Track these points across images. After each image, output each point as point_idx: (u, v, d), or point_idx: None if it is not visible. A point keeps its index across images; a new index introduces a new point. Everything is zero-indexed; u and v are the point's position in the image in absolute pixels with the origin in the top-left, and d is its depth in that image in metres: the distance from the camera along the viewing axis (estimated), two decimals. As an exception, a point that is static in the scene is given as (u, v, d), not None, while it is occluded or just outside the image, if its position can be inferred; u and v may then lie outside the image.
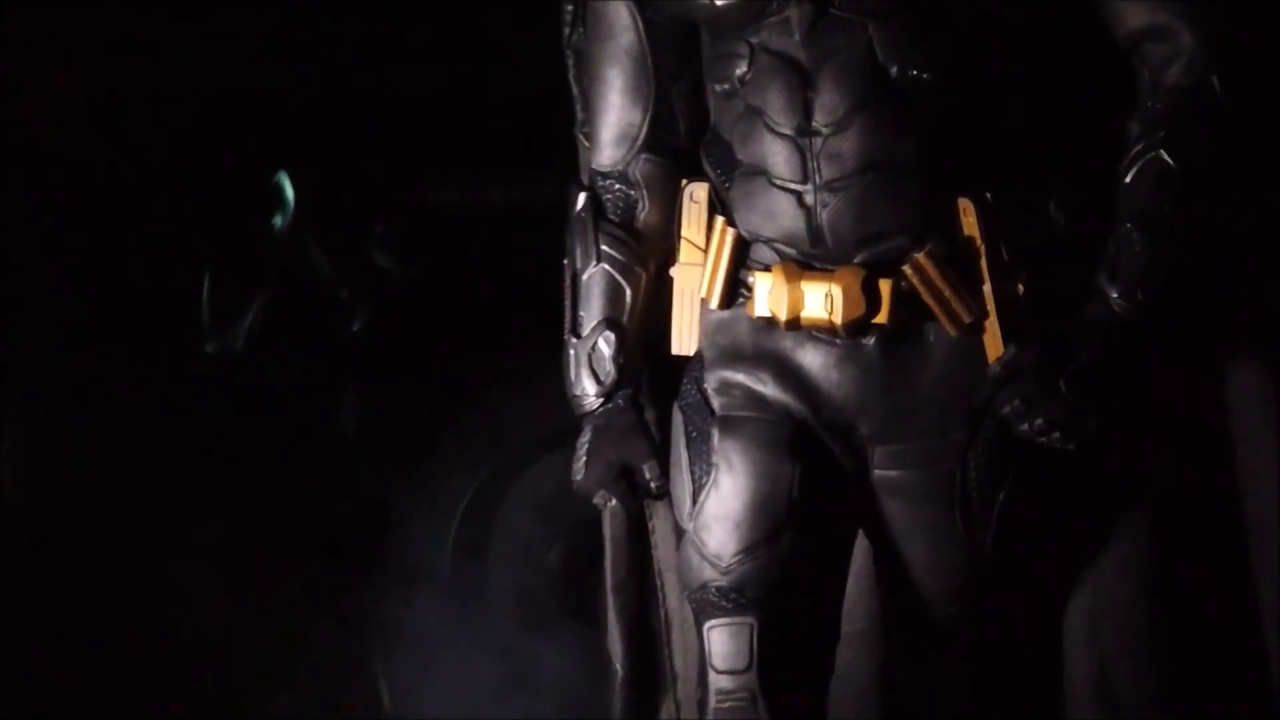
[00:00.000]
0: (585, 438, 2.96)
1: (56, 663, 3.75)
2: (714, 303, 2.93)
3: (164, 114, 3.80)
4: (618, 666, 3.21)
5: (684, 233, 2.98)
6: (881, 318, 2.82)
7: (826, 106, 2.81)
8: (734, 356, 2.92)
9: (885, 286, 2.81)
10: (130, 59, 3.76)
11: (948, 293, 2.81)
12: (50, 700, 3.75)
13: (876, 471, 2.87)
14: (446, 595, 3.98)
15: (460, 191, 4.01)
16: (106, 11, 3.74)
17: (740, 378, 2.91)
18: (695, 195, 2.98)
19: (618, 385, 2.97)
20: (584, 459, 2.95)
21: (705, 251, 2.96)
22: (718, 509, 2.85)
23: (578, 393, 2.98)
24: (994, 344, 2.83)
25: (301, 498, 3.91)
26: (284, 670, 3.85)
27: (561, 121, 3.13)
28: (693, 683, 3.09)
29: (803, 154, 2.83)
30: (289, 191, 3.91)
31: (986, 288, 2.83)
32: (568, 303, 3.01)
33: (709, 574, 2.84)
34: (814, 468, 2.87)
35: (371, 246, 3.99)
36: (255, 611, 3.84)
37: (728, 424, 2.88)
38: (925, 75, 2.79)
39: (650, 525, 3.18)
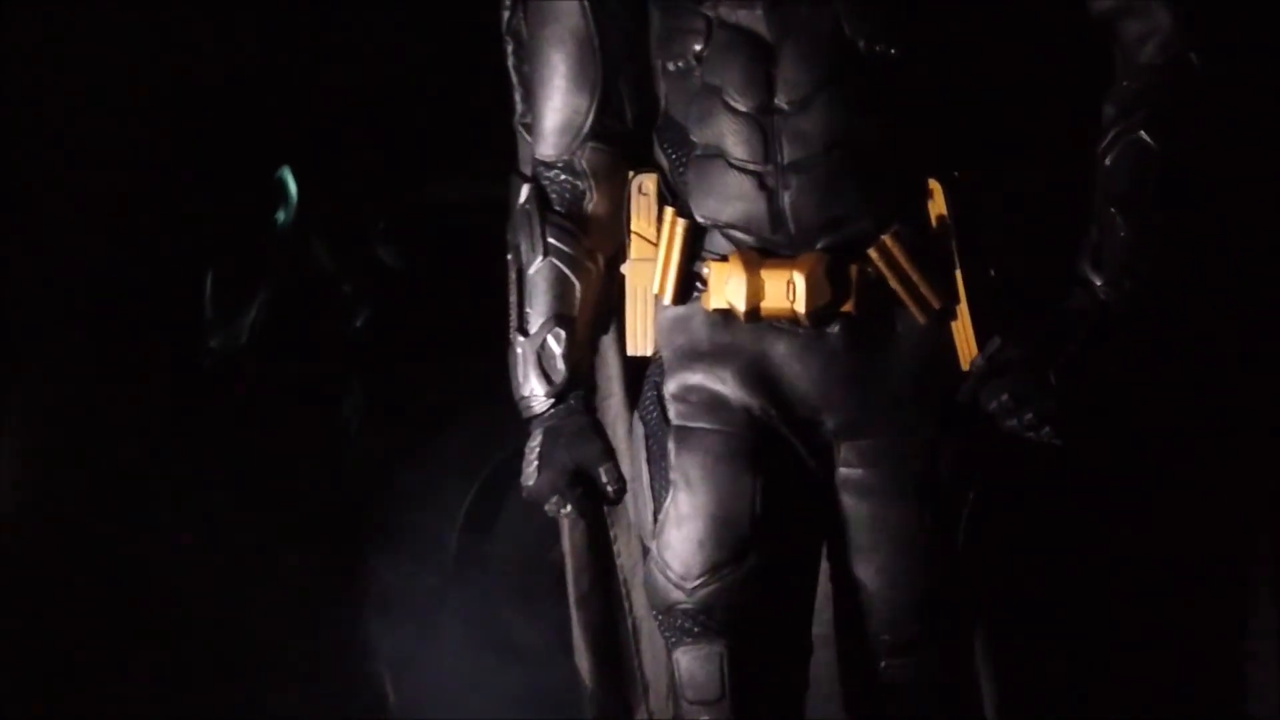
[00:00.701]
0: (535, 441, 2.80)
1: (61, 652, 3.76)
2: (668, 298, 2.80)
3: (166, 109, 3.80)
4: (587, 681, 3.14)
5: (633, 226, 2.84)
6: (847, 306, 2.69)
7: (790, 83, 2.68)
8: (692, 356, 2.79)
9: (850, 273, 2.69)
10: (131, 55, 3.77)
11: (915, 277, 2.70)
12: (55, 689, 3.77)
13: (842, 470, 2.74)
14: (451, 594, 3.97)
15: (462, 186, 3.99)
16: (107, 7, 3.75)
17: (699, 379, 2.78)
18: (644, 187, 2.84)
19: (569, 385, 2.82)
20: (535, 463, 2.79)
21: (656, 245, 2.81)
22: (679, 529, 2.74)
23: (526, 394, 2.83)
24: (965, 332, 2.71)
25: (306, 492, 3.90)
26: (285, 678, 3.85)
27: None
28: (664, 694, 3.03)
29: (764, 133, 2.69)
30: (292, 187, 3.90)
31: (957, 272, 2.71)
32: (513, 299, 2.86)
33: (675, 596, 2.74)
34: (777, 478, 2.75)
35: (374, 241, 3.97)
36: (257, 608, 3.83)
37: (684, 437, 2.76)
38: (894, 50, 2.67)
39: (612, 534, 3.09)
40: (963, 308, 2.71)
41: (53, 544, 3.76)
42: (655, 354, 2.86)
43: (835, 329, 2.72)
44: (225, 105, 3.84)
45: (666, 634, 2.77)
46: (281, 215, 3.91)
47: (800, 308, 2.68)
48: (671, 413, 2.79)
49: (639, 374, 2.97)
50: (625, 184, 2.87)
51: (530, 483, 2.79)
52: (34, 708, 3.75)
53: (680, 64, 2.75)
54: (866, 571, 2.74)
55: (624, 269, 2.87)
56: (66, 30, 3.74)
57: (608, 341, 2.98)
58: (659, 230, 2.81)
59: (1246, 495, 3.04)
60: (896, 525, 2.72)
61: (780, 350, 2.74)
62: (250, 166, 3.88)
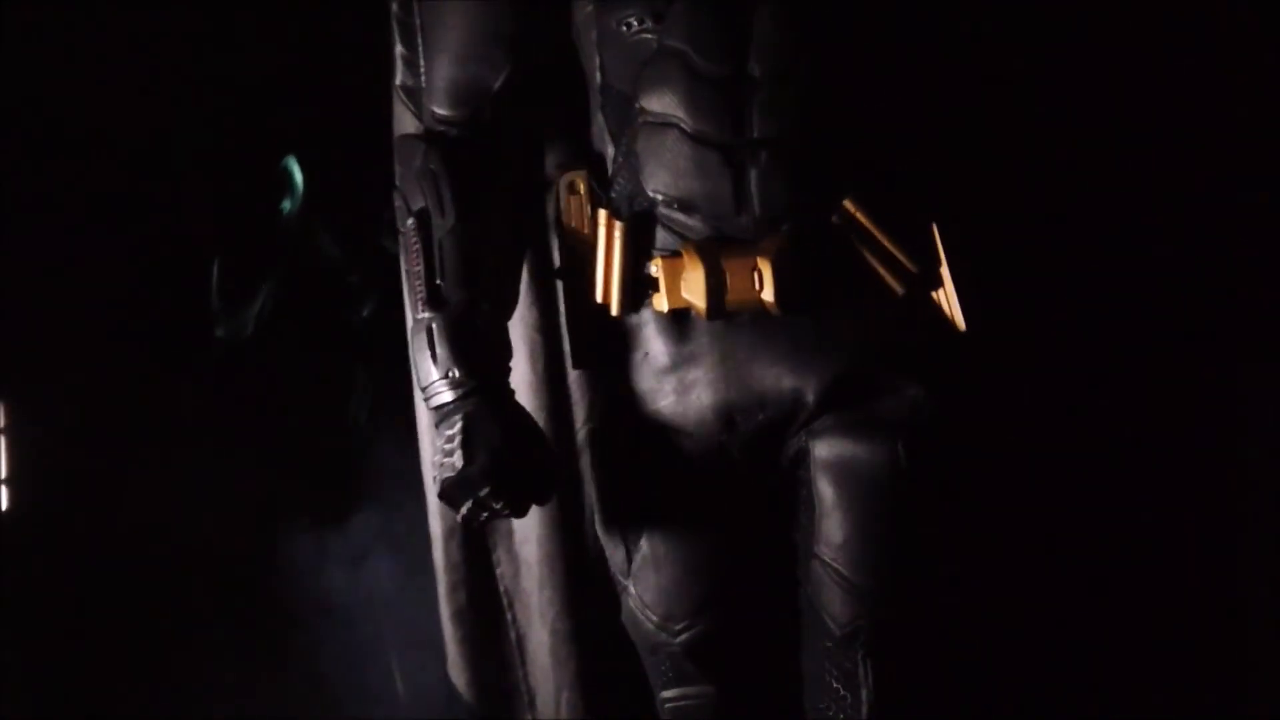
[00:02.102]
0: (454, 429, 2.47)
1: (68, 642, 3.76)
2: (614, 308, 2.55)
3: (171, 100, 3.79)
4: (463, 694, 3.04)
5: (567, 230, 2.59)
6: (817, 287, 2.47)
7: (767, 49, 2.42)
8: (652, 374, 2.56)
9: (819, 251, 2.46)
10: (136, 46, 3.75)
11: (886, 241, 2.46)
12: (62, 679, 3.77)
13: (819, 447, 2.52)
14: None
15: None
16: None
17: (666, 403, 2.54)
18: (575, 187, 2.58)
19: (493, 364, 2.50)
20: (459, 453, 2.45)
21: (594, 250, 2.55)
22: (657, 572, 2.57)
23: (438, 376, 2.49)
24: (948, 291, 2.51)
25: (312, 483, 3.88)
26: (292, 669, 3.83)
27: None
28: (550, 704, 2.94)
29: (733, 103, 2.43)
30: (298, 176, 3.88)
31: (935, 229, 2.47)
32: (416, 269, 2.52)
33: (661, 639, 2.60)
34: (751, 506, 2.57)
35: (380, 231, 3.95)
36: (262, 596, 3.82)
37: (654, 476, 2.56)
38: (883, 16, 2.44)
39: (491, 542, 2.98)
40: (945, 271, 2.51)
41: (57, 535, 3.75)
42: (607, 370, 2.65)
43: (805, 309, 2.51)
44: (231, 94, 3.82)
45: (653, 675, 2.66)
46: (287, 205, 3.88)
47: (769, 296, 2.47)
48: (640, 447, 2.58)
49: (551, 375, 2.81)
50: (536, 153, 2.62)
51: (451, 474, 2.46)
52: (43, 696, 3.75)
53: (632, 24, 2.49)
54: (838, 538, 2.52)
55: (560, 275, 2.65)
56: (72, 20, 3.73)
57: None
58: (594, 234, 2.56)
59: (1242, 488, 2.97)
60: (871, 468, 2.51)
61: (747, 341, 2.53)
62: (256, 156, 3.87)
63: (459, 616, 3.02)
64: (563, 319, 2.79)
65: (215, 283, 3.85)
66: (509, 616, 3.01)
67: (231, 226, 3.87)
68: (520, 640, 3.00)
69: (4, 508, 3.71)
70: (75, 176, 3.75)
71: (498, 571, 3.00)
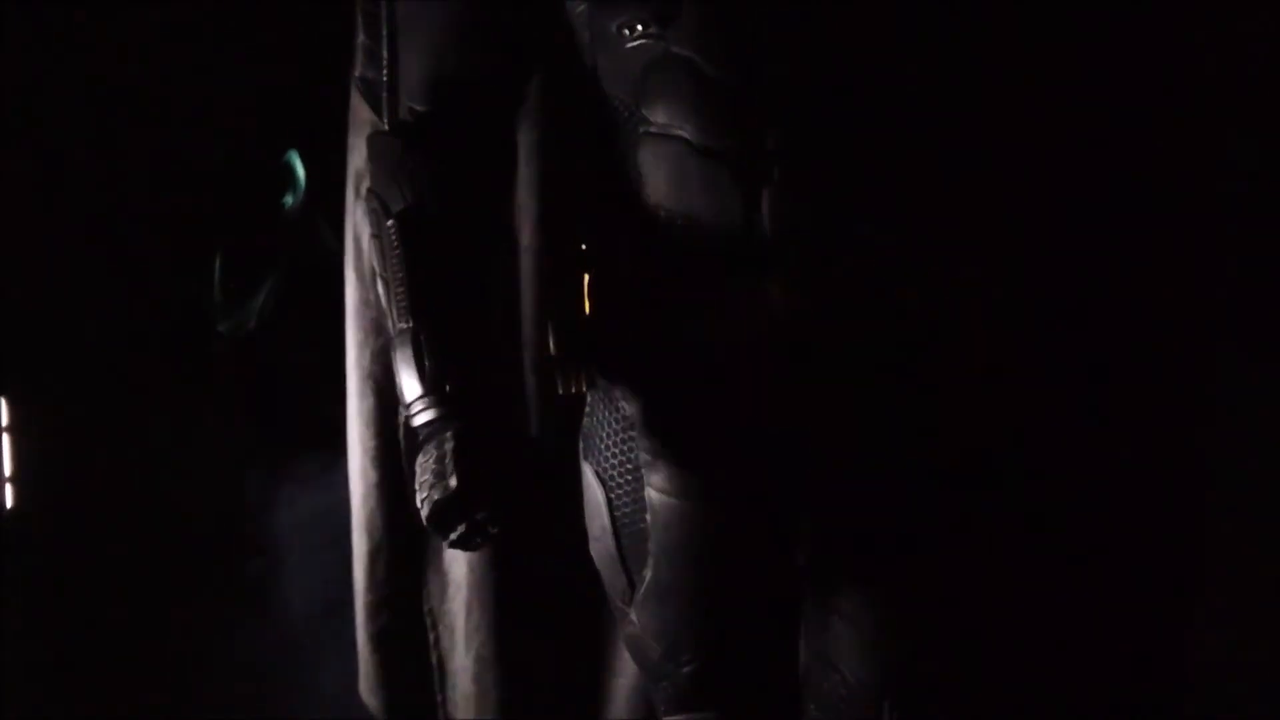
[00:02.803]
0: (445, 446, 2.26)
1: (76, 641, 3.77)
2: (608, 331, 2.38)
3: (171, 95, 3.77)
4: (378, 717, 2.97)
5: (553, 245, 2.51)
6: (832, 324, 2.29)
7: (785, 54, 2.24)
8: (652, 406, 2.39)
9: (833, 284, 2.27)
10: (137, 40, 3.73)
11: (906, 267, 2.28)
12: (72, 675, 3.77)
13: (834, 488, 2.39)
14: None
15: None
16: (112, -6, 3.73)
17: (666, 436, 2.38)
18: (564, 198, 2.50)
19: (485, 374, 2.33)
20: (454, 470, 2.24)
21: (585, 268, 2.39)
22: (663, 605, 2.43)
23: (422, 393, 2.29)
24: (979, 337, 2.35)
25: (315, 480, 3.87)
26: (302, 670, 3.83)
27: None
28: None
29: (746, 115, 2.24)
30: (299, 170, 3.85)
31: (961, 255, 2.30)
32: (400, 275, 2.33)
33: (666, 669, 2.49)
34: (756, 539, 2.42)
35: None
36: (261, 602, 3.82)
37: (659, 509, 2.40)
38: (914, 25, 2.25)
39: (420, 560, 2.90)
40: (967, 309, 2.34)
41: (59, 533, 3.75)
42: (600, 395, 2.49)
43: (819, 347, 2.33)
44: (231, 88, 3.80)
45: (654, 697, 2.55)
46: (289, 199, 3.86)
47: (777, 333, 2.30)
48: (645, 480, 2.42)
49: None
50: (513, 156, 2.52)
51: (443, 495, 2.26)
52: (44, 694, 3.76)
53: (636, 27, 2.29)
54: (858, 593, 2.40)
55: (545, 294, 2.56)
56: (74, 13, 3.70)
57: None
58: (585, 251, 2.41)
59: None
60: (889, 548, 2.38)
61: (753, 374, 2.36)
62: (257, 150, 3.84)
63: (380, 637, 2.92)
64: (528, 337, 2.71)
65: (217, 278, 3.83)
66: (431, 638, 2.93)
67: (233, 221, 3.84)
68: (441, 664, 2.92)
69: (7, 506, 3.70)
70: (75, 174, 3.74)
71: (424, 592, 2.92)
